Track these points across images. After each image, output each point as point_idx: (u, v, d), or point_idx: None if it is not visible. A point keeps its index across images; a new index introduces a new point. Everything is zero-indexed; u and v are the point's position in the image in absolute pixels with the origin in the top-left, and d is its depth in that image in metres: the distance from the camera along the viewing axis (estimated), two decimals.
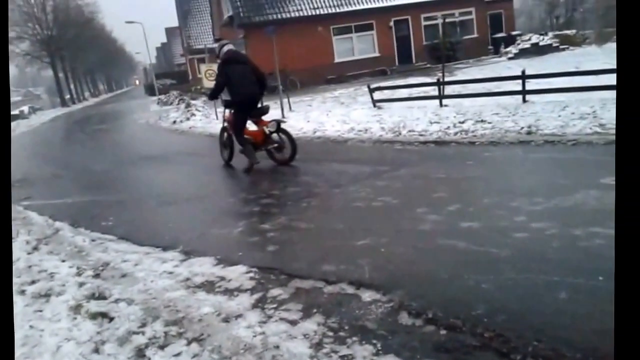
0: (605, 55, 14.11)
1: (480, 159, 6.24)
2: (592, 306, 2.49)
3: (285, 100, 13.09)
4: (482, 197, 4.59)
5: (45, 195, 7.34)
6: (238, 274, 3.47)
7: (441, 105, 10.16)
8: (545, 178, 5.05)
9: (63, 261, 4.14)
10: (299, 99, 15.72)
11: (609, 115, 6.84)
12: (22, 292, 3.45)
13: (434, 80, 11.54)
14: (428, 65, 21.64)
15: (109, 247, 4.49)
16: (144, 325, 2.86)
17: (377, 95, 11.81)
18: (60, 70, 46.32)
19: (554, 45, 21.06)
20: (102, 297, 3.29)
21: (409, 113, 9.73)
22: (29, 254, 4.37)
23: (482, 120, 8.06)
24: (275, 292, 3.12)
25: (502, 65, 17.50)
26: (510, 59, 20.20)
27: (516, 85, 9.41)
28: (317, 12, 21.46)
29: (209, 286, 3.35)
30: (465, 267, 3.11)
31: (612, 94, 7.45)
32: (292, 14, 21.26)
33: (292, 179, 6.37)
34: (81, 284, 3.52)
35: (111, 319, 2.96)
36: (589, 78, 8.71)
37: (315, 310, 2.81)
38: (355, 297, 2.92)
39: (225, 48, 7.10)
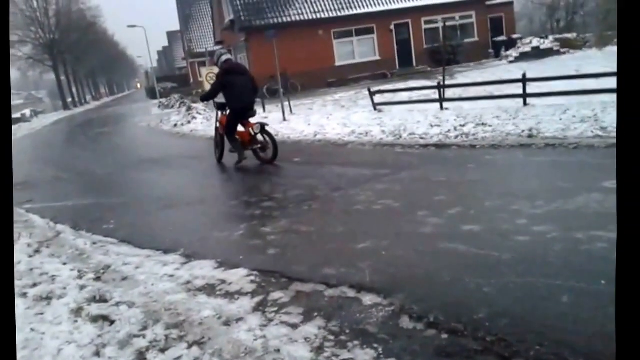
0: (605, 59, 14.13)
1: (481, 163, 6.24)
2: (595, 310, 2.49)
3: (286, 104, 13.11)
4: (483, 200, 4.58)
5: (47, 198, 7.35)
6: (239, 277, 3.47)
7: (442, 108, 10.17)
8: (547, 181, 5.04)
9: (64, 264, 4.15)
10: (299, 102, 15.74)
11: (610, 119, 6.84)
12: (24, 295, 3.45)
13: (434, 83, 11.57)
14: (429, 69, 21.67)
15: (110, 250, 4.49)
16: (144, 328, 2.86)
17: (378, 98, 11.82)
18: (62, 73, 46.43)
19: (555, 48, 21.12)
20: (103, 300, 3.30)
21: (410, 116, 9.74)
22: (30, 256, 4.38)
23: (483, 124, 8.06)
24: (276, 295, 3.12)
25: (503, 69, 17.50)
26: (511, 62, 20.22)
27: (517, 89, 9.43)
28: (318, 16, 21.47)
29: (209, 289, 3.35)
30: (466, 271, 3.10)
31: (613, 97, 7.47)
32: (293, 18, 21.29)
33: (293, 182, 6.37)
34: (82, 287, 3.53)
35: (112, 322, 2.96)
36: (589, 81, 8.73)
37: (316, 314, 2.81)
38: (356, 300, 2.92)
39: (224, 57, 7.79)
